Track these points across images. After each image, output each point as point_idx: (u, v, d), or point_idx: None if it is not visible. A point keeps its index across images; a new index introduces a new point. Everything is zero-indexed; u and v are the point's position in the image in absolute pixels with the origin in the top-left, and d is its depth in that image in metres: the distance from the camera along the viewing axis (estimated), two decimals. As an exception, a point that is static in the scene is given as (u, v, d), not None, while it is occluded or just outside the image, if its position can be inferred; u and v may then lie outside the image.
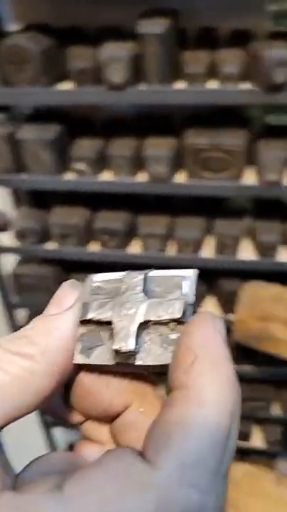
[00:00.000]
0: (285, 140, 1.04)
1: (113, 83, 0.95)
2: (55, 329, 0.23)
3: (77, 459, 0.23)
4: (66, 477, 0.18)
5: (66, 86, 1.01)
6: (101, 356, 0.23)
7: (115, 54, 0.94)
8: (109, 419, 0.25)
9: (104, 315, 0.23)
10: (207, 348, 0.19)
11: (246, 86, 0.95)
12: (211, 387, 0.18)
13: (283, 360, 1.12)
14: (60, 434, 1.67)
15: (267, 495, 1.13)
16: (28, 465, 0.21)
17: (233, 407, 0.18)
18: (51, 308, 0.24)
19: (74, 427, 0.26)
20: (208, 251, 1.15)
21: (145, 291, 0.23)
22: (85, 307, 0.24)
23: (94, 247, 1.18)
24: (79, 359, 0.23)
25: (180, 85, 0.97)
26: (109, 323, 0.23)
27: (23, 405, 0.21)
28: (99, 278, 0.26)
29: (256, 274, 1.17)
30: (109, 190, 1.10)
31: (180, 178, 1.07)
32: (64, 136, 1.08)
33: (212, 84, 0.97)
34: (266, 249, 1.12)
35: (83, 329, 0.24)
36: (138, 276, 0.24)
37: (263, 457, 1.42)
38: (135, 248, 1.17)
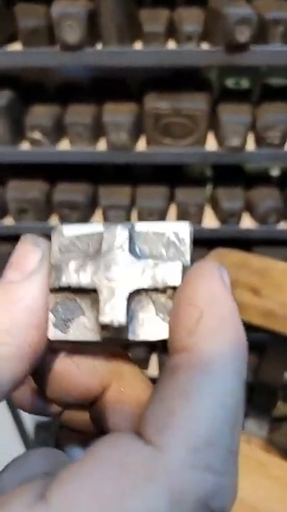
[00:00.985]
0: (248, 103, 1.02)
1: (67, 43, 0.89)
2: (20, 300, 0.18)
3: (61, 456, 0.18)
4: (50, 481, 0.13)
5: (16, 47, 0.94)
6: (81, 330, 0.19)
7: (69, 10, 0.87)
8: (89, 404, 0.21)
9: (84, 280, 0.18)
10: (215, 302, 0.16)
11: (207, 47, 0.92)
12: (221, 350, 0.15)
13: (247, 326, 1.13)
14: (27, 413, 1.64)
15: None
16: (3, 470, 0.17)
17: (243, 369, 0.15)
18: (11, 274, 0.19)
19: (53, 417, 0.22)
20: (171, 220, 1.13)
21: (131, 250, 0.19)
22: (57, 270, 0.19)
23: (54, 222, 1.13)
24: (55, 335, 0.19)
25: (138, 46, 0.92)
26: (88, 290, 0.18)
27: None
28: (70, 231, 0.20)
29: (220, 241, 1.16)
30: (68, 161, 1.05)
31: (141, 145, 1.03)
32: (16, 103, 1.01)
33: (172, 45, 0.93)
34: (229, 217, 1.11)
35: (56, 298, 0.19)
36: (121, 232, 0.19)
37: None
38: (97, 220, 1.13)
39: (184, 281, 0.17)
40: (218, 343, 0.15)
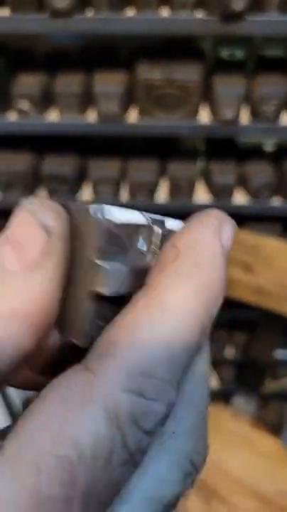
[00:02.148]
0: (242, 75, 0.99)
1: (57, 9, 0.86)
2: (19, 303, 0.14)
3: None
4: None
5: (3, 12, 0.90)
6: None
7: (58, -26, 0.84)
8: None
9: None
10: (196, 248, 0.15)
11: (202, 15, 0.89)
12: (183, 291, 0.14)
13: (236, 303, 1.12)
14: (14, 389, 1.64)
15: (224, 430, 1.16)
16: None
17: (205, 323, 0.15)
18: (7, 256, 0.15)
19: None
20: (162, 195, 1.11)
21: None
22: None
23: (42, 195, 1.11)
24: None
25: (131, 13, 0.89)
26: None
27: None
28: (118, 216, 0.16)
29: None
30: (56, 132, 1.02)
31: (132, 117, 1.00)
32: (3, 71, 0.98)
33: (165, 13, 0.90)
34: (221, 192, 1.09)
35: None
36: (158, 232, 0.17)
37: (220, 396, 1.46)
38: (85, 194, 1.11)
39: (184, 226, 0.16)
40: (182, 286, 0.15)
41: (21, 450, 0.13)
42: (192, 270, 0.15)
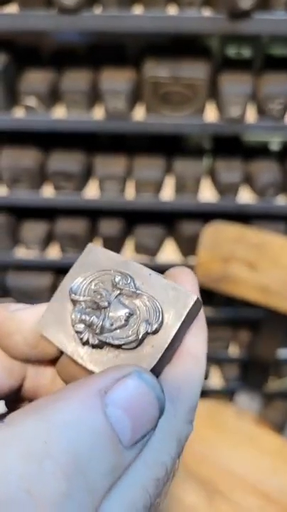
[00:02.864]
0: (249, 74, 0.99)
1: (65, 6, 0.86)
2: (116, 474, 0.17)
3: None
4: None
5: (11, 9, 0.90)
6: None
7: (66, -29, 0.84)
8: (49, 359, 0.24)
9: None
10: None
11: (209, 13, 0.89)
12: (202, 345, 0.23)
13: (239, 301, 1.12)
14: None
15: (228, 428, 1.16)
16: None
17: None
18: (123, 425, 0.17)
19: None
20: (168, 192, 1.11)
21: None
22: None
23: (47, 192, 1.11)
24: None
25: (138, 10, 0.89)
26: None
27: None
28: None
29: (217, 215, 1.15)
30: (63, 129, 1.02)
31: (139, 114, 1.01)
32: (11, 68, 0.98)
33: (172, 10, 0.90)
34: (226, 190, 1.09)
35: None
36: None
37: (223, 394, 1.46)
38: (92, 191, 1.11)
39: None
40: (201, 341, 0.24)
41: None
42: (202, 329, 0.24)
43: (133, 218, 1.18)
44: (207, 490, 0.99)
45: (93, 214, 1.17)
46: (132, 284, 0.22)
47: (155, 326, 0.21)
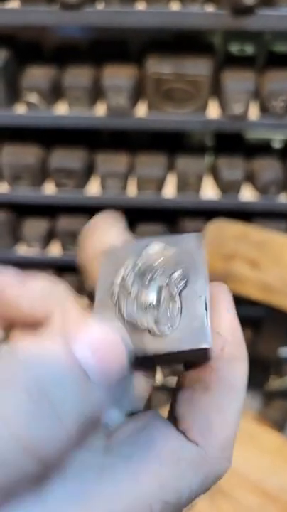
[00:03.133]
0: (252, 71, 0.99)
1: (67, 1, 0.86)
2: (89, 413, 0.17)
3: None
4: (106, 457, 0.19)
5: (13, 4, 0.89)
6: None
7: None
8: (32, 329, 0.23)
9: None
10: (234, 331, 0.21)
11: (212, 9, 0.89)
12: (240, 371, 0.21)
13: (241, 299, 1.12)
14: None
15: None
16: None
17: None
18: (89, 362, 0.18)
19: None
20: (170, 190, 1.10)
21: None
22: None
23: (49, 189, 1.11)
24: None
25: (141, 6, 0.89)
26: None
27: None
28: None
29: (219, 212, 1.15)
30: (65, 125, 1.02)
31: (141, 111, 1.00)
32: (12, 64, 0.97)
33: (175, 6, 0.89)
34: (228, 188, 1.09)
35: None
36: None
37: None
38: (93, 188, 1.11)
39: (212, 311, 0.21)
40: (239, 368, 0.21)
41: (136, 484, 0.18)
42: (238, 351, 0.21)
43: (134, 216, 1.18)
44: (208, 488, 0.99)
45: (94, 211, 1.15)
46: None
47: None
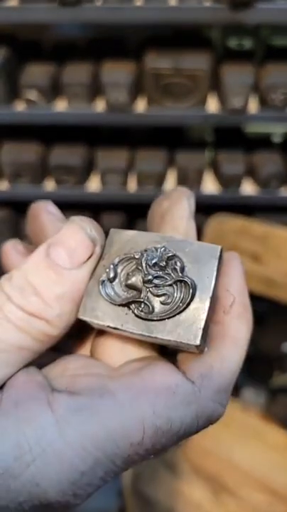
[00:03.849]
0: (251, 64, 0.99)
1: (65, -3, 0.86)
2: (69, 291, 0.22)
3: (94, 363, 0.23)
4: (109, 382, 0.21)
5: (12, 2, 0.90)
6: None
7: None
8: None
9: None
10: (242, 293, 0.23)
11: (210, 3, 0.89)
12: (244, 328, 0.23)
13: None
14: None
15: (233, 423, 1.16)
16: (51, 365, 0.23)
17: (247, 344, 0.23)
18: (59, 255, 0.22)
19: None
20: (170, 185, 1.10)
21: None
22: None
23: (49, 186, 1.11)
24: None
25: (139, 1, 0.89)
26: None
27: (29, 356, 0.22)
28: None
29: (220, 207, 1.15)
30: (64, 122, 1.02)
31: (141, 106, 1.00)
32: (12, 62, 0.98)
33: (173, 1, 0.89)
34: (229, 182, 1.09)
35: None
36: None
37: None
38: (93, 185, 1.11)
39: (223, 270, 0.23)
40: (245, 324, 0.23)
41: (132, 403, 0.20)
42: (245, 311, 0.23)
43: (135, 212, 1.18)
44: (213, 486, 0.98)
45: (95, 207, 1.16)
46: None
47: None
